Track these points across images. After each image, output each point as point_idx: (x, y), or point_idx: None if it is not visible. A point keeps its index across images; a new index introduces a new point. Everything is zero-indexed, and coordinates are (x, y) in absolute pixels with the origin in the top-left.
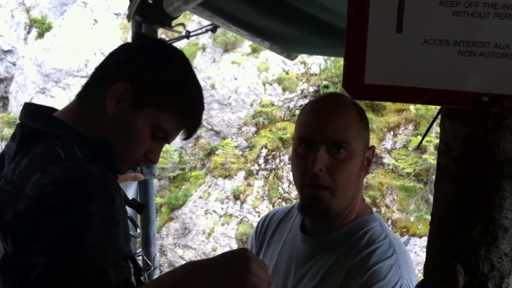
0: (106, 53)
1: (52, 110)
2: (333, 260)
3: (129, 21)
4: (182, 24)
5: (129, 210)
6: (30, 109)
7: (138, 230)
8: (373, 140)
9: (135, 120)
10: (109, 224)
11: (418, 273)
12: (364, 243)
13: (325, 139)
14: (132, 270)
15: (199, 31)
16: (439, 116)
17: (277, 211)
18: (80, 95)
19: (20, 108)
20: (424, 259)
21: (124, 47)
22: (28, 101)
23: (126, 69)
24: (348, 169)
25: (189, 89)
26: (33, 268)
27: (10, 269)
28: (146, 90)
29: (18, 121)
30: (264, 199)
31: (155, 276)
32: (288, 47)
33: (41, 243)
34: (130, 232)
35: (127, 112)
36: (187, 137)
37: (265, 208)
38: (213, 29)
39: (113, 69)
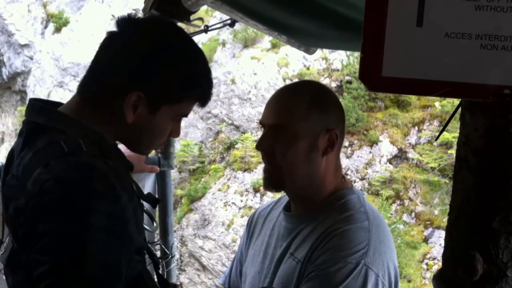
0: None
1: (57, 104)
2: (310, 230)
3: (145, 15)
4: (201, 19)
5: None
6: (35, 105)
7: (155, 224)
8: (397, 135)
9: (155, 120)
10: (115, 222)
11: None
12: (338, 211)
13: (269, 122)
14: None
15: (217, 26)
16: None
17: (267, 204)
18: (85, 98)
19: None
20: None
21: (120, 48)
22: (46, 94)
23: (134, 79)
24: (292, 149)
25: (197, 73)
26: (37, 265)
27: (17, 263)
28: (158, 92)
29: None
30: (283, 192)
31: (173, 265)
32: (306, 41)
33: (45, 240)
34: (146, 226)
35: (146, 115)
36: (202, 107)
37: None
38: (231, 23)
39: (121, 80)
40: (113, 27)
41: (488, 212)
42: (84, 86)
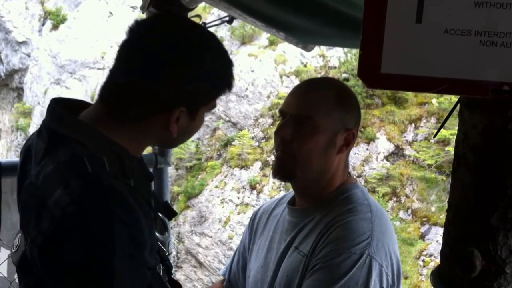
0: None
1: (78, 106)
2: (314, 223)
3: (143, 12)
4: (199, 16)
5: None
6: (56, 112)
7: (166, 233)
8: (394, 132)
9: (195, 123)
10: (134, 247)
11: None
12: (342, 204)
13: (291, 111)
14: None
15: (215, 23)
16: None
17: (270, 201)
18: (114, 112)
19: (35, 98)
20: None
21: (152, 63)
22: (43, 91)
23: (176, 96)
24: (311, 142)
25: (226, 69)
26: None
27: (28, 269)
28: (197, 101)
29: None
30: (280, 189)
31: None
32: (304, 38)
33: (72, 271)
34: (158, 235)
35: (187, 123)
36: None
37: None
38: (229, 20)
39: (161, 99)
40: (112, 24)
41: (486, 209)
42: (110, 98)
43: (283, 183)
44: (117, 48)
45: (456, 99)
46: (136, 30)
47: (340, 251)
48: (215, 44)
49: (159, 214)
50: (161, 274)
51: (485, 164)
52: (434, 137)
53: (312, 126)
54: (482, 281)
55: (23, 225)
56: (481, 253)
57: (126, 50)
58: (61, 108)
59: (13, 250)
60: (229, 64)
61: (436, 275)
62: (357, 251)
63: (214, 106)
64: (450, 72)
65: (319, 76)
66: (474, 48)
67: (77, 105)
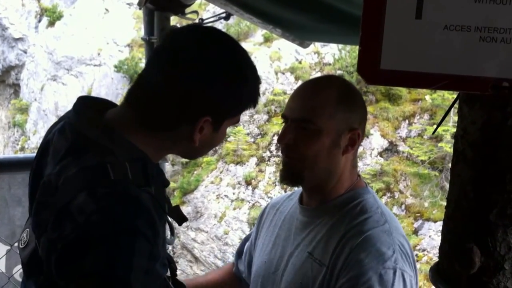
0: (120, 43)
1: (104, 106)
2: (327, 228)
3: (140, 8)
4: (196, 12)
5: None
6: (86, 114)
7: (172, 237)
8: (388, 129)
9: (218, 136)
10: (152, 261)
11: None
12: (357, 212)
13: (292, 116)
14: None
15: (212, 19)
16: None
17: (280, 196)
18: (141, 119)
19: (32, 94)
20: (439, 243)
21: (183, 74)
22: (40, 88)
23: (203, 106)
24: (314, 145)
25: (253, 82)
26: None
27: (38, 268)
28: (222, 112)
29: (69, 115)
30: (276, 185)
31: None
32: (301, 34)
33: (89, 280)
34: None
35: (211, 133)
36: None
37: (277, 193)
38: (226, 17)
39: (189, 109)
40: (108, 21)
41: (485, 205)
42: (141, 105)
43: (278, 178)
44: (113, 45)
45: (451, 96)
46: (173, 39)
47: (374, 269)
48: (248, 60)
49: (169, 218)
50: (167, 275)
51: (484, 160)
52: (433, 133)
53: (314, 129)
54: (481, 277)
55: (38, 224)
56: (480, 249)
57: (158, 58)
58: (87, 108)
59: (21, 246)
60: (258, 81)
61: (435, 271)
62: (390, 266)
63: (238, 120)
64: (450, 68)
65: (314, 73)
66: (474, 44)
67: (103, 105)
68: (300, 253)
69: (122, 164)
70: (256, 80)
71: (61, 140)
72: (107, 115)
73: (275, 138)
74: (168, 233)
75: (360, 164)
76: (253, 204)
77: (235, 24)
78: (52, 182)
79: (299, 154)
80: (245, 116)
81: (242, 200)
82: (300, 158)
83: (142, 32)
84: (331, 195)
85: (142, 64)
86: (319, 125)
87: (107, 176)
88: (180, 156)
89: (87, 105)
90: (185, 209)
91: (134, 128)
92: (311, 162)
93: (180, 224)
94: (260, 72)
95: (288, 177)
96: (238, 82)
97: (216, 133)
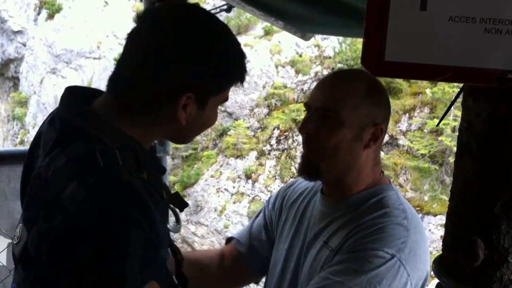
0: (119, 36)
1: (91, 95)
2: (346, 220)
3: (140, 0)
4: (197, 4)
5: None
6: (72, 103)
7: (178, 225)
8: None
9: (205, 114)
10: (149, 248)
11: (433, 250)
12: (377, 206)
13: (315, 105)
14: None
15: (213, 11)
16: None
17: (303, 183)
18: (123, 103)
19: (31, 87)
20: (438, 237)
21: (158, 50)
22: (39, 81)
23: (183, 82)
24: (336, 136)
25: (236, 56)
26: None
27: (29, 262)
28: (205, 88)
29: (58, 106)
30: (276, 178)
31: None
32: (303, 27)
33: (84, 271)
34: (169, 226)
35: (196, 112)
36: (242, 84)
37: (277, 187)
38: (228, 9)
39: (168, 85)
40: (107, 13)
41: (489, 198)
42: (120, 90)
43: (278, 171)
44: (113, 38)
45: (451, 90)
46: (143, 18)
47: (372, 248)
48: (227, 35)
49: (171, 205)
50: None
51: (489, 153)
52: (437, 125)
53: (337, 119)
54: (485, 270)
55: (29, 218)
56: (484, 242)
57: (132, 40)
58: (74, 98)
59: (14, 242)
60: (240, 55)
61: (439, 264)
62: (389, 252)
63: (226, 98)
64: (454, 60)
65: (314, 66)
66: (479, 36)
67: (90, 94)
68: (314, 241)
69: (111, 151)
70: (239, 54)
71: (51, 131)
72: (94, 104)
73: (276, 131)
74: (171, 220)
75: None
76: (253, 198)
77: (235, 17)
78: (42, 174)
79: (319, 145)
80: (245, 109)
81: (242, 194)
82: (320, 150)
83: None
84: (351, 190)
85: None
86: (342, 116)
87: (96, 163)
88: (172, 141)
89: (75, 95)
90: None
91: (118, 115)
92: (330, 154)
93: (181, 210)
94: (260, 65)
95: (305, 170)
96: (216, 56)
97: (203, 111)
